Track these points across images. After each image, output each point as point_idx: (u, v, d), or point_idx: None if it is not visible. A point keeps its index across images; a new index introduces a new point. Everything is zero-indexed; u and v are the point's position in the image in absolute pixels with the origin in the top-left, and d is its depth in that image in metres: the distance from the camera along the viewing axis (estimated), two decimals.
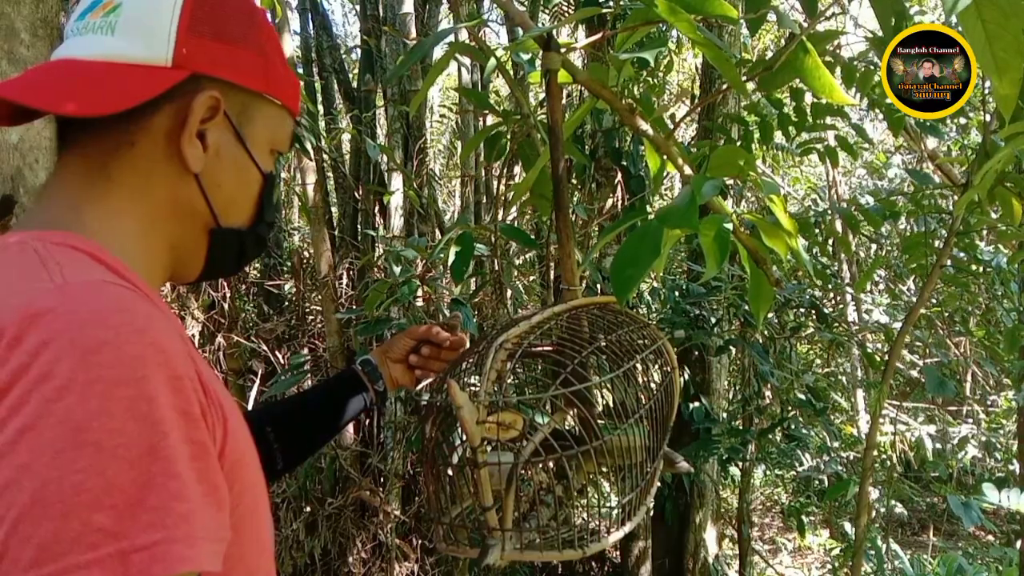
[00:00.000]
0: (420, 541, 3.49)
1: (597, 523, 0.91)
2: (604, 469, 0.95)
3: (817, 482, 4.55)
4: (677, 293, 3.17)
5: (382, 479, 3.44)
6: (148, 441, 0.48)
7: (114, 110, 0.60)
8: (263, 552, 0.65)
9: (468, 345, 1.06)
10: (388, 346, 1.08)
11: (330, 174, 4.07)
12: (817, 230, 2.29)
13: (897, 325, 3.49)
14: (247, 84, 0.68)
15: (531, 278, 4.13)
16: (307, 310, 3.80)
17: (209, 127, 0.66)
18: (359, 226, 3.91)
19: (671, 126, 1.30)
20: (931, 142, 2.11)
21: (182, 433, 0.50)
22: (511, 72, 1.37)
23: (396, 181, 3.59)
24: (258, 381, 3.59)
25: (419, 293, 2.17)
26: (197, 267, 0.72)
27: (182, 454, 0.49)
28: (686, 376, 3.34)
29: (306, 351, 3.57)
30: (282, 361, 3.60)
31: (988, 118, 1.75)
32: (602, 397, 1.43)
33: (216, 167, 0.67)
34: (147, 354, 0.50)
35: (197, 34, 0.64)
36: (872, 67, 1.59)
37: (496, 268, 2.86)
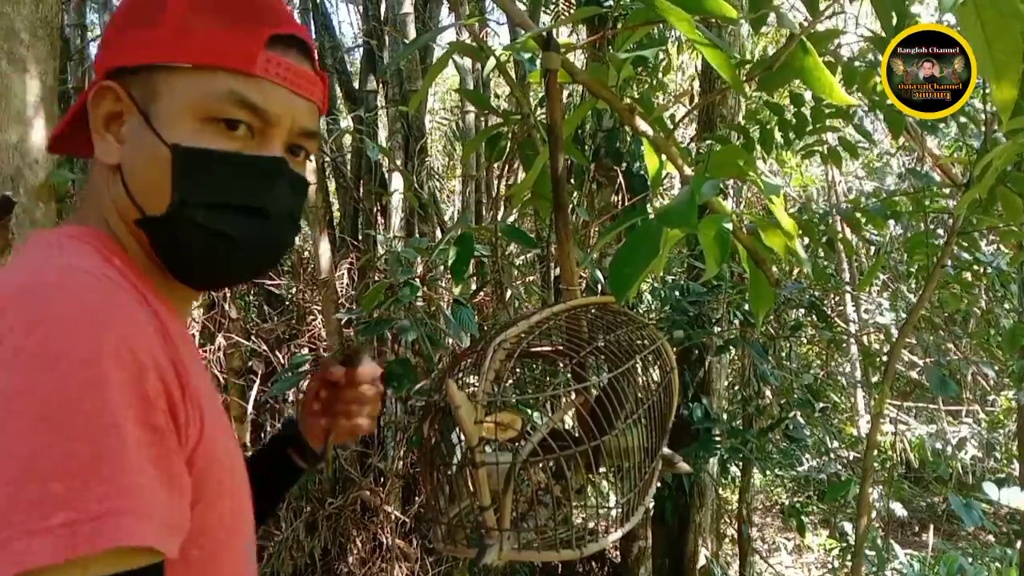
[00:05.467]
0: (420, 541, 3.49)
1: (595, 523, 0.90)
2: (603, 469, 0.95)
3: (817, 482, 4.55)
4: (677, 293, 3.17)
5: (382, 479, 3.44)
6: (101, 418, 0.48)
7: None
8: (242, 565, 0.65)
9: (367, 376, 0.91)
10: (305, 396, 0.96)
11: (331, 174, 4.07)
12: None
13: (896, 326, 3.48)
14: (142, 61, 0.65)
15: (531, 278, 4.13)
16: (307, 310, 3.80)
17: (125, 118, 0.66)
18: (359, 226, 3.91)
19: (671, 126, 1.30)
20: (931, 142, 2.10)
21: (137, 414, 0.50)
22: (511, 72, 1.37)
23: (396, 181, 3.58)
24: (258, 381, 3.59)
25: (419, 293, 2.17)
26: (170, 267, 0.68)
27: (134, 434, 0.50)
28: (686, 376, 3.33)
29: (306, 351, 3.57)
30: (282, 361, 3.60)
31: (987, 116, 1.75)
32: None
33: (130, 154, 0.66)
34: (107, 337, 0.51)
35: (106, 40, 0.69)
36: (871, 65, 1.58)
37: (496, 268, 2.86)
